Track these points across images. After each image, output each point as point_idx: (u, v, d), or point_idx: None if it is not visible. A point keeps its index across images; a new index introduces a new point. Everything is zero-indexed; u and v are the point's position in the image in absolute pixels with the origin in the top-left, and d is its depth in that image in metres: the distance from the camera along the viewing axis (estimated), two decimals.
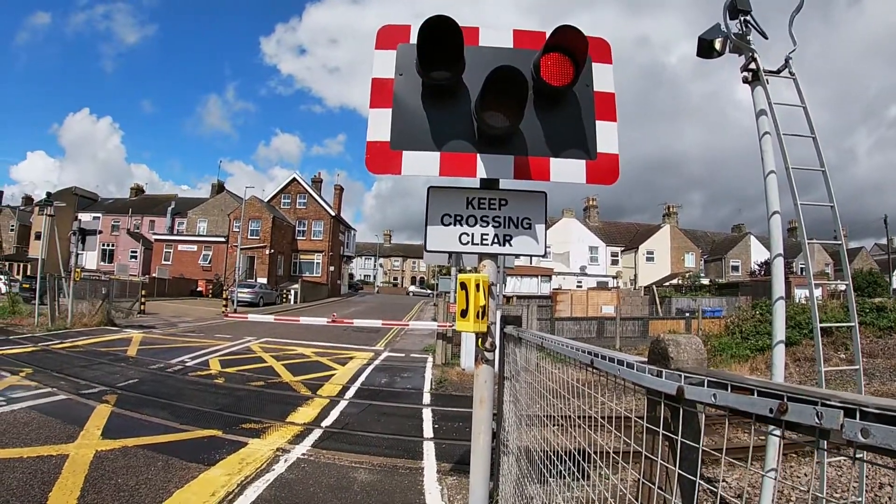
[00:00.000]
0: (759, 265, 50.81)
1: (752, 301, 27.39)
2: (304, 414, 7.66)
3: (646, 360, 1.55)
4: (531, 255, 3.44)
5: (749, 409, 1.10)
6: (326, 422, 7.31)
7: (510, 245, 3.25)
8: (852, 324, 4.28)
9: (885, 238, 47.96)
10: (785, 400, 1.03)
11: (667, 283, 44.86)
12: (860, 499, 4.63)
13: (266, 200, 50.54)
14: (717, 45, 5.03)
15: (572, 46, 2.89)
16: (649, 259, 55.31)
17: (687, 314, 28.05)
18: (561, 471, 2.46)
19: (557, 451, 2.52)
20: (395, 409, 8.42)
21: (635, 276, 54.19)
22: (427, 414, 8.16)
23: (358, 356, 14.16)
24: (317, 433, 6.72)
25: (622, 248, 57.54)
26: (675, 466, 1.40)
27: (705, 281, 45.46)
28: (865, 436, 0.88)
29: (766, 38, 5.09)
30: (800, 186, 4.26)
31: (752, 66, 4.82)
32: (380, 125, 3.12)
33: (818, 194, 4.50)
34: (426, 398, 9.44)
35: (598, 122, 3.26)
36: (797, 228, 4.39)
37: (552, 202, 3.47)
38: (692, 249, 57.10)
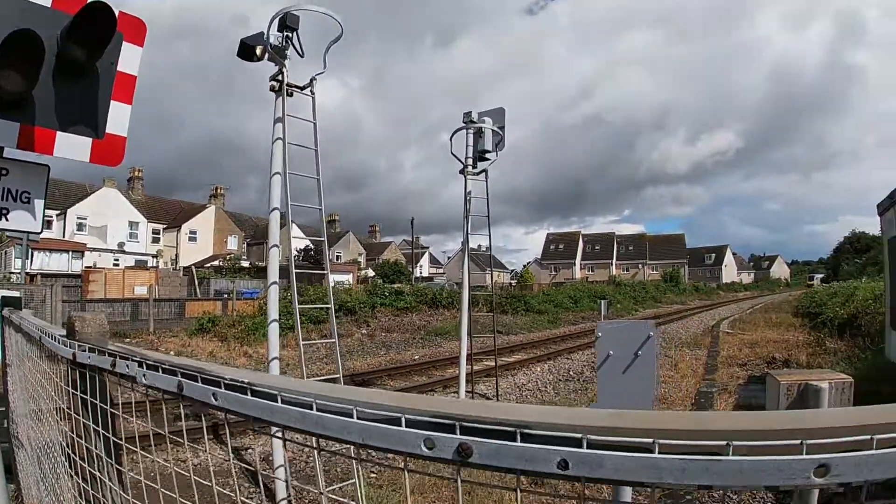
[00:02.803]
0: (297, 251, 55.66)
1: (287, 284, 30.06)
2: None
3: (65, 333, 1.78)
4: (27, 232, 3.22)
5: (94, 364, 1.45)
6: None
7: (6, 220, 3.04)
8: (328, 305, 5.40)
9: (411, 236, 59.22)
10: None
11: (208, 265, 43.71)
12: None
13: None
14: (258, 52, 5.51)
15: (101, 22, 2.82)
16: (192, 239, 52.57)
17: (224, 295, 28.63)
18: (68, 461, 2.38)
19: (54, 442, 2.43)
20: None
21: (177, 255, 50.91)
22: None
23: None
24: None
25: (165, 226, 53.04)
26: (90, 421, 1.65)
27: (246, 264, 45.90)
28: (217, 398, 1.06)
29: (302, 57, 5.81)
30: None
31: (280, 77, 5.46)
32: None
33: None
34: None
35: (112, 103, 3.26)
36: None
37: (89, 167, 3.30)
38: (236, 232, 56.87)
